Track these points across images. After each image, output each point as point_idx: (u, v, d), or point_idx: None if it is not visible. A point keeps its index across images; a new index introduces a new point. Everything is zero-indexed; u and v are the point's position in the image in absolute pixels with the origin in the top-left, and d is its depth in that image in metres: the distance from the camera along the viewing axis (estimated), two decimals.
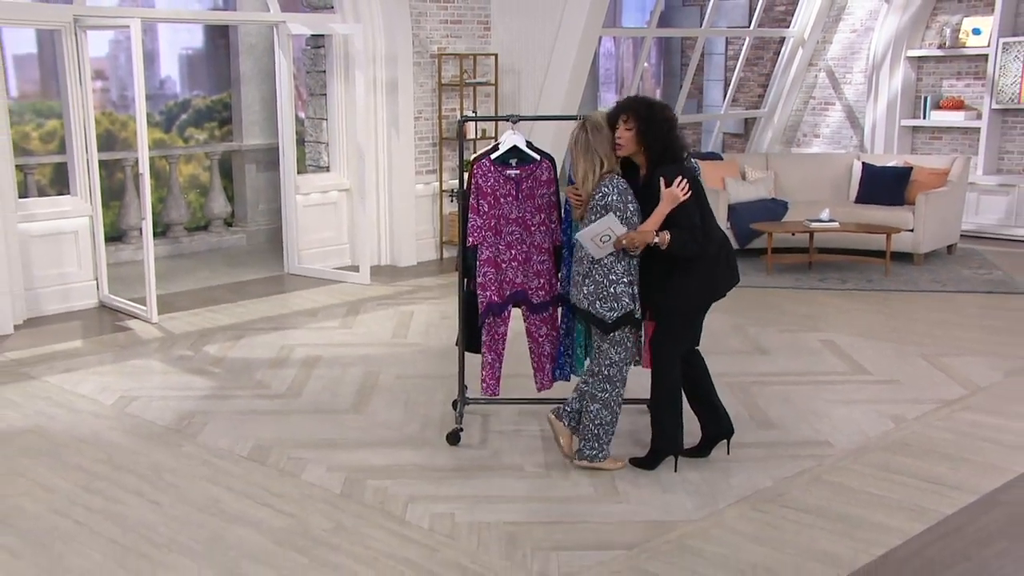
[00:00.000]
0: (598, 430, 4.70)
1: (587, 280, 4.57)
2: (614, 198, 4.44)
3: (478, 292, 5.04)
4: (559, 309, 5.12)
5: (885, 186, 9.96)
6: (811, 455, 4.98)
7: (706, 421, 4.96)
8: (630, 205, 4.49)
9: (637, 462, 4.85)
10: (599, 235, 4.46)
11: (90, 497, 4.53)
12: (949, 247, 10.13)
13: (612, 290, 4.52)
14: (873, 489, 4.58)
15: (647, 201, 4.57)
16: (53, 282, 7.85)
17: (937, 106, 11.64)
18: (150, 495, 4.55)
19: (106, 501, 4.49)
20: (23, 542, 4.10)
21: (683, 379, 4.83)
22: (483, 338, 5.11)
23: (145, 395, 5.93)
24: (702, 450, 4.97)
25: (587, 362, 5.20)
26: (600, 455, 4.74)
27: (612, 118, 4.58)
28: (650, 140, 4.51)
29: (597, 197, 4.48)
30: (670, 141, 4.56)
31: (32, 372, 6.37)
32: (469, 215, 5.01)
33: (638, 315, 4.60)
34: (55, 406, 5.75)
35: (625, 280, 4.54)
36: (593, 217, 4.47)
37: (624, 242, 4.45)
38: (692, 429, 4.90)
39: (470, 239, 5.02)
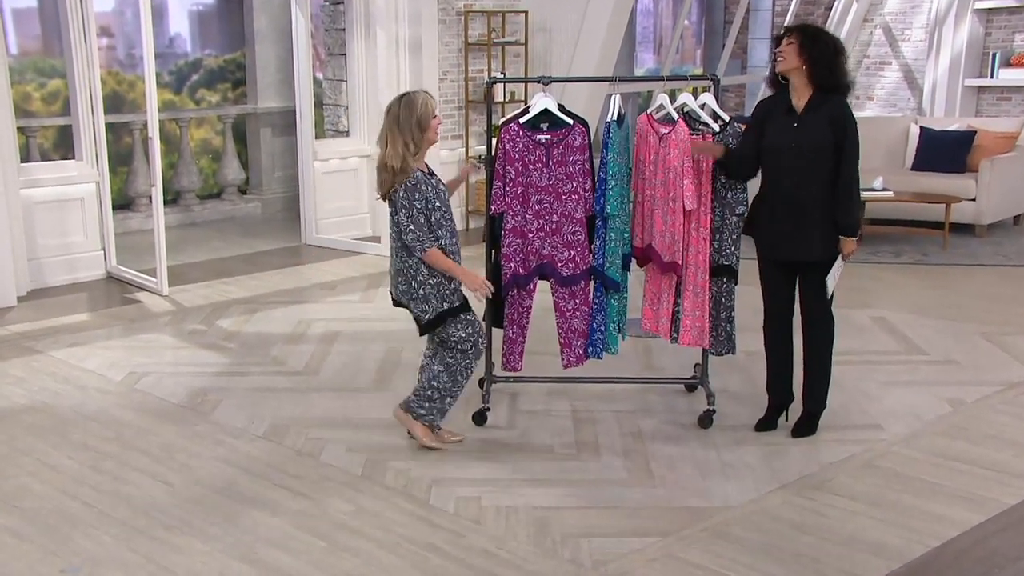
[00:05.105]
0: (431, 391, 4.78)
1: (400, 278, 4.73)
2: (400, 194, 4.55)
3: (502, 263, 5.05)
4: (591, 283, 5.11)
5: (945, 152, 9.84)
6: (861, 439, 4.96)
7: (787, 386, 5.06)
8: (417, 202, 4.53)
9: (800, 431, 4.95)
10: (835, 277, 4.80)
11: (98, 477, 4.59)
12: (1016, 218, 10.03)
13: (421, 292, 4.67)
14: (928, 476, 4.57)
15: (800, 133, 4.64)
16: (58, 252, 7.93)
17: (1007, 63, 11.42)
18: (161, 475, 4.61)
19: (115, 481, 4.55)
20: (28, 524, 4.17)
21: (787, 337, 5.02)
22: (506, 311, 5.11)
23: (155, 371, 6.00)
24: (771, 422, 5.08)
25: (620, 339, 5.21)
26: (426, 417, 4.81)
27: (777, 38, 4.72)
28: (814, 57, 4.57)
29: (394, 193, 4.59)
30: (836, 65, 4.62)
31: (37, 346, 6.46)
32: (494, 182, 5.01)
33: (456, 305, 4.70)
34: (61, 382, 5.83)
35: (431, 281, 4.66)
36: (393, 212, 4.59)
37: (846, 260, 4.79)
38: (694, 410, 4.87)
39: (493, 207, 5.02)
